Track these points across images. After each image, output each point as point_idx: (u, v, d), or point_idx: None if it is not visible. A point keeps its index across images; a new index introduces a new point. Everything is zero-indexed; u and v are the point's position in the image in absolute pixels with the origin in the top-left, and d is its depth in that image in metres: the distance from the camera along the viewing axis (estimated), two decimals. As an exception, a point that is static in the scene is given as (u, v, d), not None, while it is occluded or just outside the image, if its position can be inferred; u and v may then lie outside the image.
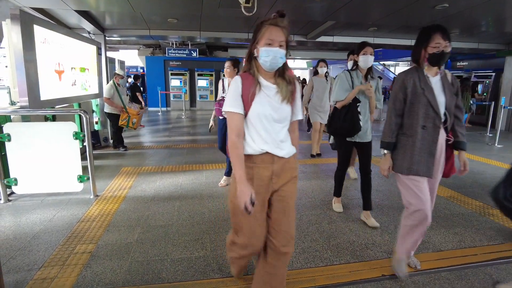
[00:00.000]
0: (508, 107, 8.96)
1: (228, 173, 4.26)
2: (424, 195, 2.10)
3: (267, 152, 1.64)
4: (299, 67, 25.95)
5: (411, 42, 8.99)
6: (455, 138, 2.21)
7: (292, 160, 1.75)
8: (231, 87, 1.63)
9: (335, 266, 2.45)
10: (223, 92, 4.07)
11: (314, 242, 2.80)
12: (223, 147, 4.08)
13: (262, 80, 1.64)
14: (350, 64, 4.11)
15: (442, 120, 2.05)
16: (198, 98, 15.15)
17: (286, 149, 1.69)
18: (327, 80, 5.59)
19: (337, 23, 6.89)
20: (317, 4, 5.37)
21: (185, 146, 6.89)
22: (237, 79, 1.64)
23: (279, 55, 1.57)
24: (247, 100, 1.60)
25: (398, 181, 2.23)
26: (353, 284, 2.24)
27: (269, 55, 1.56)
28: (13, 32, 3.56)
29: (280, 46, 1.57)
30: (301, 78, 14.63)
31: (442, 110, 2.04)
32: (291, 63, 22.84)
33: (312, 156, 5.84)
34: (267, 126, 1.62)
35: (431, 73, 2.07)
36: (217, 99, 4.13)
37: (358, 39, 8.71)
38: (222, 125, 4.04)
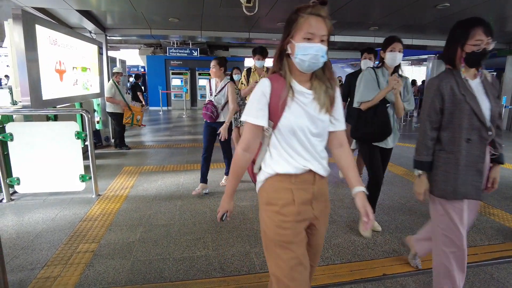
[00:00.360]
0: (510, 107, 8.96)
1: (228, 172, 4.19)
2: (464, 227, 1.78)
3: (310, 171, 1.33)
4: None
5: (412, 41, 9.00)
6: (494, 150, 1.85)
7: (327, 180, 1.46)
8: (256, 90, 1.33)
9: (336, 266, 2.46)
10: (211, 95, 3.81)
11: (315, 241, 2.81)
12: (209, 147, 3.87)
13: (295, 84, 1.31)
14: (364, 63, 3.96)
15: (489, 130, 1.70)
16: (199, 97, 15.18)
17: (326, 166, 1.40)
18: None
19: (338, 23, 6.88)
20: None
21: (186, 145, 6.91)
22: (265, 82, 1.32)
23: (321, 53, 1.24)
24: (276, 109, 1.29)
25: (435, 208, 1.86)
26: (354, 284, 2.25)
27: (307, 53, 1.24)
28: (15, 32, 3.58)
29: (322, 41, 1.25)
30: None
31: (487, 118, 1.69)
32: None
33: None
34: (303, 140, 1.31)
35: (470, 76, 1.74)
36: (205, 102, 3.86)
37: (358, 39, 8.73)
38: (210, 130, 3.85)
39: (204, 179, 3.91)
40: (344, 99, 4.29)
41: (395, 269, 2.43)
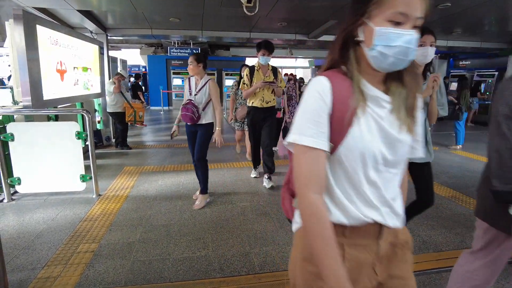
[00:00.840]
0: None
1: (204, 189, 3.62)
2: None
3: (374, 222, 0.91)
4: (301, 66, 25.90)
5: (413, 41, 8.95)
6: None
7: (406, 228, 1.04)
8: (309, 95, 0.88)
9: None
10: (190, 94, 3.44)
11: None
12: (205, 159, 3.58)
13: (367, 86, 0.88)
14: None
15: None
16: (200, 97, 15.16)
17: (400, 212, 0.97)
18: None
19: (339, 23, 6.87)
20: (319, 4, 5.36)
21: (186, 145, 6.86)
22: (322, 81, 0.87)
23: (413, 45, 0.83)
24: (340, 124, 0.86)
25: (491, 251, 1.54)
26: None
27: (394, 44, 0.81)
28: (16, 32, 3.58)
29: (415, 27, 0.83)
30: (297, 77, 14.61)
31: None
32: (292, 63, 22.80)
33: None
34: (372, 174, 0.89)
35: None
36: (184, 102, 3.48)
37: (360, 38, 8.69)
38: (191, 133, 3.54)
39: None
40: None
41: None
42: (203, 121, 3.43)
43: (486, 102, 10.39)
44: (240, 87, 4.28)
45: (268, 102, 3.98)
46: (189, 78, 3.55)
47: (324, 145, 0.86)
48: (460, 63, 12.97)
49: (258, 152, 4.32)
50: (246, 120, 4.75)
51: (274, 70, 4.04)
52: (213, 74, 14.90)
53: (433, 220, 3.26)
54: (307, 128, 0.86)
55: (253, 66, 4.02)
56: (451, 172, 5.01)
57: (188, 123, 3.46)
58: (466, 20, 6.78)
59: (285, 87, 4.50)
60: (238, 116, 4.92)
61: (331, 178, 0.91)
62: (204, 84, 3.43)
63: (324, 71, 0.93)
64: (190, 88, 3.49)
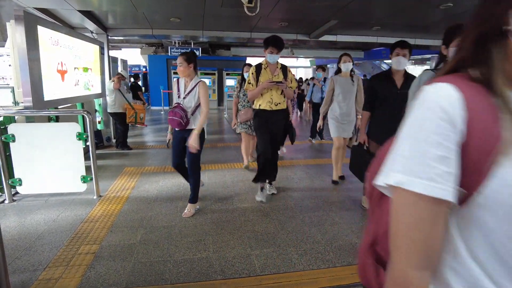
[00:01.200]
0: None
1: (194, 198, 3.43)
2: None
3: None
4: (302, 65, 25.90)
5: (415, 41, 8.96)
6: None
7: None
8: (420, 112, 0.58)
9: (337, 268, 2.46)
10: (179, 97, 3.24)
11: (316, 243, 2.81)
12: (180, 164, 3.42)
13: None
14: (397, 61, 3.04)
15: None
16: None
17: None
18: (353, 81, 4.18)
19: (340, 23, 6.86)
20: (320, 4, 5.35)
21: (187, 145, 6.90)
22: (448, 93, 0.57)
23: None
24: (481, 160, 0.54)
25: None
26: (354, 287, 2.25)
27: None
28: (17, 33, 3.58)
29: None
30: (298, 77, 14.61)
31: None
32: (294, 62, 22.80)
33: (334, 182, 4.38)
34: None
35: None
36: (171, 105, 3.30)
37: (361, 38, 8.70)
38: (179, 140, 3.29)
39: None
40: (369, 108, 3.30)
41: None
42: (193, 126, 3.20)
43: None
44: (245, 88, 3.76)
45: (277, 104, 3.50)
46: (177, 80, 3.31)
47: (450, 193, 0.54)
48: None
49: (268, 163, 3.61)
50: (250, 122, 4.66)
51: (284, 68, 3.57)
52: (214, 74, 14.93)
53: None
54: (423, 165, 0.55)
55: (259, 64, 3.53)
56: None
57: (176, 129, 3.22)
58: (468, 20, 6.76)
59: (296, 87, 3.93)
60: (241, 119, 4.69)
61: (461, 245, 0.59)
62: (194, 86, 3.19)
63: (445, 76, 0.62)
64: (178, 91, 3.26)
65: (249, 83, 3.53)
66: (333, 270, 2.43)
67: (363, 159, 3.07)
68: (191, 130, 3.16)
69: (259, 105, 3.53)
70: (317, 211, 3.49)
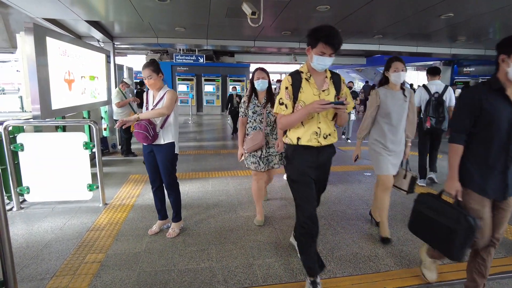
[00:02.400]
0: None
1: (176, 217, 3.22)
2: None
3: None
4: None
5: (416, 49, 9.01)
6: None
7: None
8: None
9: (338, 279, 2.49)
10: (147, 109, 3.02)
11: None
12: (174, 183, 3.14)
13: None
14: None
15: None
16: (204, 103, 15.32)
17: None
18: (405, 96, 2.94)
19: (343, 31, 6.93)
20: (322, 14, 5.44)
21: (191, 152, 6.99)
22: None
23: None
24: None
25: None
26: (355, 297, 2.28)
27: None
28: (26, 44, 3.69)
29: None
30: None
31: None
32: (296, 68, 22.89)
33: (386, 240, 3.06)
34: None
35: None
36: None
37: (363, 46, 8.77)
38: (150, 157, 3.04)
39: (162, 215, 3.29)
40: (463, 138, 2.03)
41: (396, 283, 2.45)
42: (162, 141, 2.95)
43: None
44: (274, 111, 2.30)
45: (327, 137, 2.18)
46: (146, 92, 3.08)
47: None
48: (464, 69, 12.97)
49: (315, 235, 2.29)
50: (262, 153, 3.26)
51: (336, 79, 2.22)
52: (218, 80, 15.06)
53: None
54: None
55: (297, 73, 2.19)
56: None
57: (144, 144, 2.97)
58: (470, 29, 6.82)
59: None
60: (249, 149, 3.23)
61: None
62: (162, 97, 2.93)
63: None
64: (147, 103, 3.02)
65: (281, 104, 2.16)
66: (334, 281, 2.46)
67: (451, 223, 1.99)
68: (160, 145, 2.96)
69: (298, 138, 2.16)
70: (319, 220, 3.51)
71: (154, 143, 2.96)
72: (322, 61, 2.02)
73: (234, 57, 15.26)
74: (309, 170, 2.19)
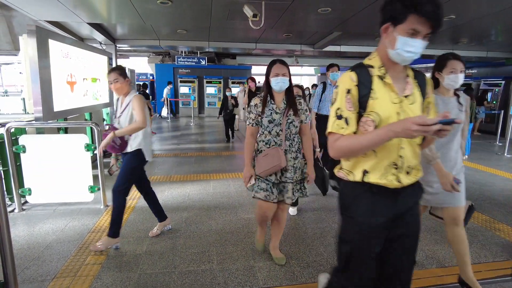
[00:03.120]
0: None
1: (109, 231, 2.87)
2: None
3: None
4: (307, 73, 25.98)
5: (419, 51, 9.00)
6: None
7: None
8: None
9: (339, 281, 2.48)
10: (115, 117, 2.91)
11: (319, 256, 2.83)
12: (123, 193, 2.89)
13: None
14: None
15: None
16: (206, 105, 15.35)
17: None
18: (460, 104, 2.26)
19: (344, 34, 6.94)
20: (323, 17, 5.45)
21: (193, 154, 6.99)
22: None
23: None
24: None
25: None
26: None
27: None
28: (29, 47, 3.72)
29: None
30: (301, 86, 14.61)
31: None
32: (298, 70, 22.90)
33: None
34: None
35: None
36: (105, 127, 2.84)
37: (365, 48, 8.77)
38: (128, 161, 2.90)
39: (160, 217, 3.22)
40: None
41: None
42: (129, 148, 2.83)
43: (493, 112, 10.33)
44: (328, 130, 1.41)
45: (410, 171, 1.41)
46: (118, 99, 2.96)
47: None
48: (466, 71, 12.92)
49: None
50: (276, 177, 2.42)
51: (421, 79, 1.47)
52: (220, 83, 15.09)
53: (436, 234, 3.27)
54: None
55: (363, 67, 1.41)
56: (456, 184, 4.99)
57: (112, 152, 2.88)
58: (472, 31, 6.81)
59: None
60: (261, 172, 2.39)
61: None
62: (129, 103, 2.79)
63: None
64: (116, 110, 2.90)
65: (339, 117, 1.37)
66: (335, 283, 2.45)
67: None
68: (128, 153, 2.85)
69: (365, 172, 1.40)
70: (320, 223, 3.52)
71: (124, 151, 2.86)
72: (412, 46, 1.25)
73: (236, 59, 15.32)
74: (377, 231, 1.40)
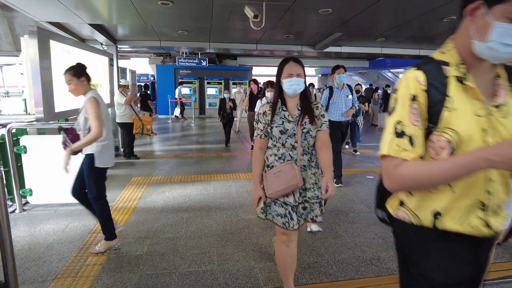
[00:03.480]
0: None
1: (104, 234, 2.87)
2: None
3: None
4: (308, 74, 25.98)
5: (419, 52, 9.00)
6: None
7: None
8: None
9: (340, 282, 2.48)
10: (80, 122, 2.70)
11: (319, 257, 2.83)
12: (78, 191, 2.84)
13: None
14: None
15: None
16: (207, 106, 15.37)
17: None
18: None
19: (345, 35, 6.95)
20: (324, 18, 5.45)
21: (193, 155, 6.99)
22: None
23: None
24: None
25: None
26: (357, 301, 2.26)
27: None
28: (30, 47, 3.72)
29: None
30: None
31: None
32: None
33: None
34: None
35: None
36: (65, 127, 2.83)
37: (366, 49, 8.78)
38: (85, 168, 2.74)
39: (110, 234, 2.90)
40: None
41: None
42: (88, 150, 2.68)
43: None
44: (383, 151, 1.02)
45: (498, 211, 1.01)
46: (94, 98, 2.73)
47: None
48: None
49: None
50: (295, 198, 2.00)
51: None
52: (221, 83, 15.11)
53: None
54: None
55: (435, 64, 1.01)
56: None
57: (73, 155, 2.69)
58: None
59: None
60: (276, 193, 1.96)
61: None
62: (84, 105, 2.64)
63: None
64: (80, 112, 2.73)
65: (400, 135, 0.99)
66: (335, 284, 2.45)
67: None
68: (87, 155, 2.70)
69: (437, 215, 1.01)
70: (321, 224, 3.51)
71: (80, 153, 2.70)
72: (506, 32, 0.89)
73: (236, 60, 15.34)
74: None
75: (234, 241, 3.11)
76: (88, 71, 2.76)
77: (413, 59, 10.82)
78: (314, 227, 3.29)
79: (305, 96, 2.06)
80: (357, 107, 5.24)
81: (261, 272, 2.59)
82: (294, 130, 1.98)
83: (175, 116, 14.41)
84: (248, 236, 3.21)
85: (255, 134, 2.11)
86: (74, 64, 2.71)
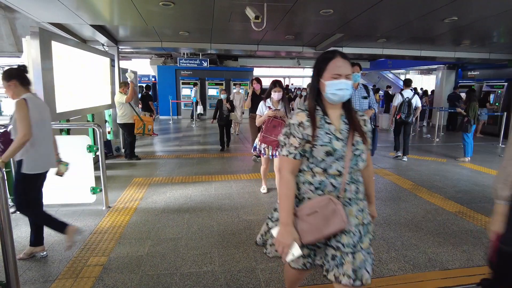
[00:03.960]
0: (521, 118, 8.82)
1: (33, 240, 2.79)
2: None
3: None
4: (309, 75, 25.98)
5: (420, 53, 8.99)
6: None
7: None
8: None
9: (341, 284, 2.47)
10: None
11: (320, 258, 2.82)
12: (22, 206, 2.68)
13: None
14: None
15: None
16: (208, 107, 15.38)
17: None
18: None
19: (346, 36, 6.94)
20: (325, 18, 5.45)
21: (194, 155, 7.00)
22: None
23: None
24: None
25: None
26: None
27: None
28: (32, 48, 3.74)
29: None
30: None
31: None
32: (300, 72, 22.94)
33: None
34: None
35: None
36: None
37: (367, 50, 8.77)
38: (15, 173, 2.64)
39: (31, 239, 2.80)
40: None
41: (401, 288, 2.43)
42: (19, 156, 2.53)
43: (496, 114, 10.29)
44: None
45: None
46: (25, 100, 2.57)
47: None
48: (469, 73, 12.90)
49: None
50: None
51: None
52: (222, 84, 15.12)
53: (439, 236, 3.25)
54: None
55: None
56: (458, 185, 4.97)
57: (13, 158, 2.57)
58: (474, 32, 6.79)
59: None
60: (314, 240, 1.49)
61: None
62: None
63: None
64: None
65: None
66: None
67: None
68: (18, 161, 2.56)
69: None
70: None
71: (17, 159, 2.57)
72: None
73: (237, 61, 15.36)
74: None
75: (235, 242, 3.10)
76: (25, 74, 2.65)
77: (414, 60, 10.84)
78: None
79: (350, 104, 1.57)
80: (376, 110, 4.74)
81: (262, 273, 2.58)
82: (344, 152, 1.46)
83: (199, 114, 14.24)
84: (250, 237, 3.21)
85: (284, 152, 1.52)
86: (7, 68, 2.61)
